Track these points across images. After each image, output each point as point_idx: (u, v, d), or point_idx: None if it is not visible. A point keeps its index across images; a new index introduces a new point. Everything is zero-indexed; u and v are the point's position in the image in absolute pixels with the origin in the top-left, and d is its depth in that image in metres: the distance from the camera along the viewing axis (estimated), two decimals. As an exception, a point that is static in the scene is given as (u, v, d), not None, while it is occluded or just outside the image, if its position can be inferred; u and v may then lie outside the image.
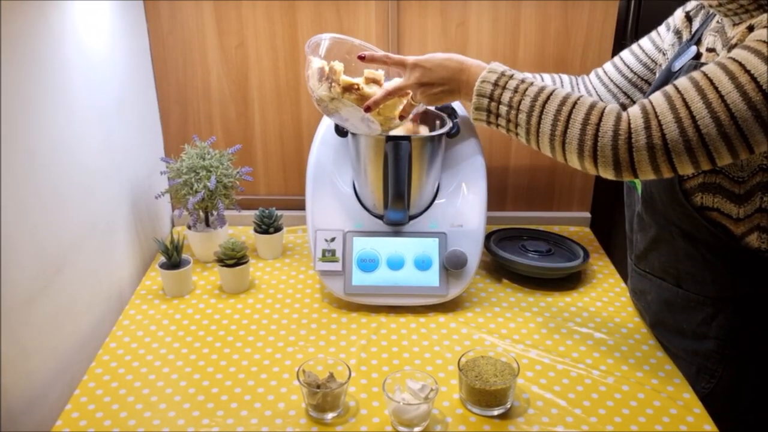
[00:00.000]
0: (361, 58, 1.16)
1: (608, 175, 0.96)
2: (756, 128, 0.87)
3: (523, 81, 1.02)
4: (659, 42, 1.23)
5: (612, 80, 1.30)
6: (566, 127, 0.97)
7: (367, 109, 1.16)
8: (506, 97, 1.02)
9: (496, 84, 1.03)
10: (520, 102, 1.01)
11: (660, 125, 0.91)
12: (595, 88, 1.33)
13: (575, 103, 0.97)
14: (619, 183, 1.32)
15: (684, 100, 0.90)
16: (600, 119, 0.95)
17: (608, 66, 1.32)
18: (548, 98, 0.99)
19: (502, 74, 1.04)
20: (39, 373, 1.05)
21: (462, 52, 1.54)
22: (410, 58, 1.12)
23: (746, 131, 0.87)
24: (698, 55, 1.07)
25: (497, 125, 1.05)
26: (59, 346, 1.12)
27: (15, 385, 0.98)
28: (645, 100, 0.94)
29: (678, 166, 0.92)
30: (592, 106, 0.96)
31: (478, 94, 1.04)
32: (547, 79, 1.34)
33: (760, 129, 0.87)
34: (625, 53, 1.30)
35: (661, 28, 1.24)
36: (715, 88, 0.88)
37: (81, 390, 1.10)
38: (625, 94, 1.29)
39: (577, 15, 1.52)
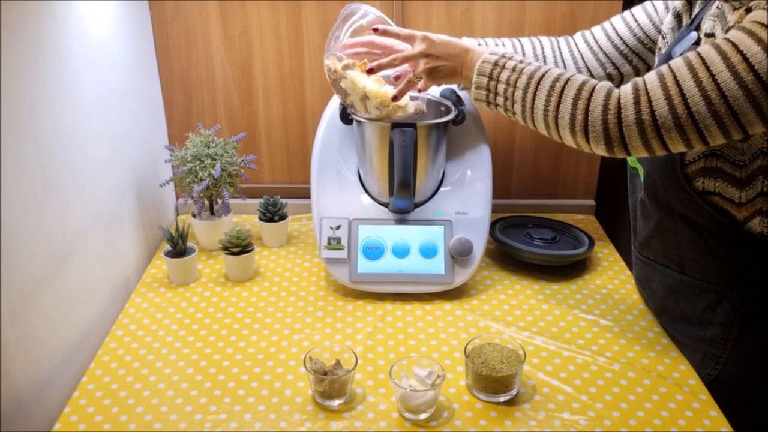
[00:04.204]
0: (375, 30, 1.20)
1: (600, 150, 0.98)
2: (748, 108, 0.88)
3: (521, 61, 1.06)
4: (656, 18, 1.21)
5: (602, 48, 1.28)
6: (558, 103, 1.00)
7: (370, 71, 1.19)
8: (504, 75, 1.06)
9: (495, 64, 1.07)
10: (516, 80, 1.05)
11: (650, 101, 0.93)
12: (581, 53, 1.30)
13: (568, 80, 1.01)
14: (623, 170, 1.31)
15: (675, 78, 0.92)
16: (591, 95, 0.98)
17: (598, 32, 1.29)
18: (543, 76, 1.03)
19: (503, 56, 1.08)
20: (46, 361, 1.06)
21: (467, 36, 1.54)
22: (420, 32, 1.16)
23: (738, 111, 0.88)
24: (698, 41, 1.07)
25: (496, 105, 1.09)
26: (66, 334, 1.12)
27: (23, 373, 0.99)
28: (638, 79, 0.97)
29: (669, 143, 0.93)
30: (584, 83, 0.99)
31: (478, 73, 1.08)
32: (524, 41, 1.32)
33: (752, 109, 0.88)
34: (617, 21, 1.27)
35: (659, 5, 1.21)
36: (707, 68, 0.89)
37: (88, 377, 1.11)
38: (614, 64, 1.27)
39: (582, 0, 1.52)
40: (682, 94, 0.91)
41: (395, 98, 1.22)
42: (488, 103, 1.10)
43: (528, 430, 1.01)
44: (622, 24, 1.26)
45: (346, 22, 1.26)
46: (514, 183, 1.71)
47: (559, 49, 1.32)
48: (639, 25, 1.23)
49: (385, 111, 1.25)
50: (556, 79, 1.01)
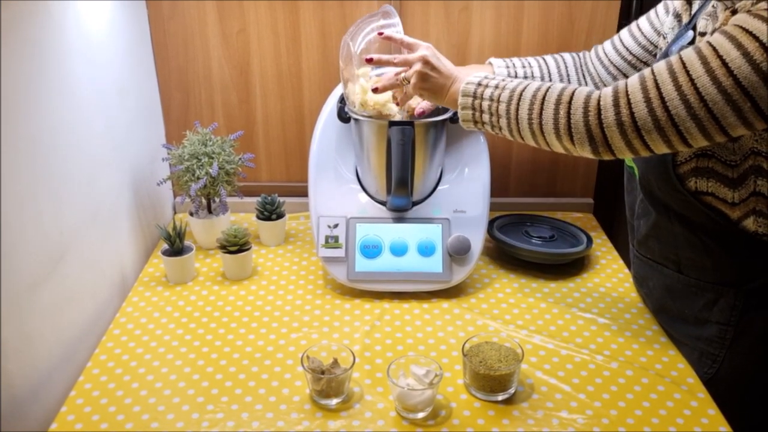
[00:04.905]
0: (380, 34, 1.22)
1: (587, 152, 1.00)
2: (728, 111, 0.88)
3: (503, 79, 1.10)
4: (657, 24, 1.22)
5: (612, 62, 1.30)
6: (541, 109, 1.02)
7: (369, 61, 1.20)
8: (488, 93, 1.09)
9: (479, 84, 1.10)
10: (499, 95, 1.07)
11: (629, 103, 0.94)
12: (596, 69, 1.32)
13: (549, 88, 1.03)
14: (621, 168, 1.31)
15: (656, 81, 0.93)
16: (571, 98, 1.00)
17: (608, 46, 1.31)
18: (525, 88, 1.05)
19: (485, 77, 1.11)
20: (43, 361, 1.05)
21: (465, 37, 1.55)
22: (426, 43, 1.18)
23: (718, 114, 0.89)
24: (694, 40, 1.07)
25: (483, 123, 1.11)
26: (63, 333, 1.12)
27: (19, 372, 0.99)
28: (620, 81, 0.98)
29: (650, 144, 0.94)
30: (564, 88, 1.02)
31: (463, 94, 1.11)
32: (549, 61, 1.34)
33: (732, 113, 0.88)
34: (624, 34, 1.29)
35: (660, 10, 1.23)
36: (687, 72, 0.90)
37: (85, 377, 1.11)
38: (624, 74, 1.28)
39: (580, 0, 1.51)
40: (661, 97, 0.92)
41: (375, 90, 1.22)
42: (475, 122, 1.12)
43: (526, 428, 1.01)
44: (628, 36, 1.28)
45: (378, 21, 1.27)
46: (512, 181, 1.71)
47: (582, 66, 1.35)
48: (642, 33, 1.25)
49: (368, 108, 1.27)
50: (538, 89, 1.04)
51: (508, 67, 1.33)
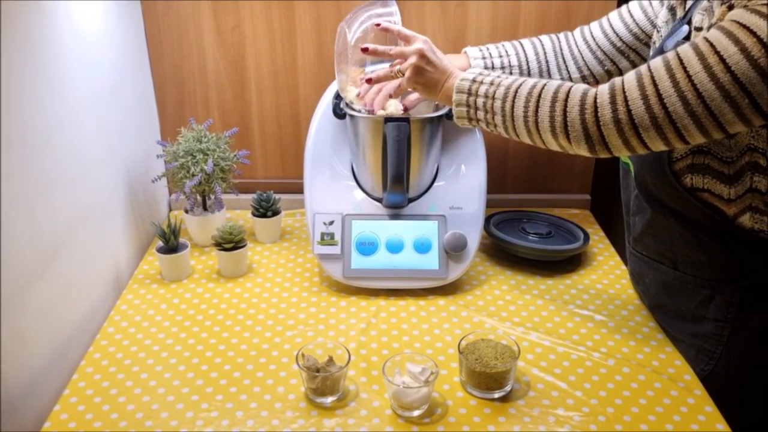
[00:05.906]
0: (377, 25, 1.21)
1: (583, 150, 0.99)
2: (726, 108, 0.88)
3: (498, 76, 1.09)
4: (651, 14, 1.21)
5: (599, 45, 1.28)
6: (537, 107, 1.01)
7: (365, 50, 1.19)
8: (482, 89, 1.08)
9: (473, 81, 1.09)
10: (494, 92, 1.06)
11: (626, 101, 0.93)
12: (581, 52, 1.30)
13: (544, 86, 1.02)
14: (618, 165, 1.31)
15: (653, 78, 0.92)
16: (567, 96, 0.99)
17: (595, 29, 1.29)
18: (520, 85, 1.04)
19: (480, 73, 1.10)
20: (36, 359, 1.05)
21: (461, 32, 1.54)
22: (423, 36, 1.16)
23: (716, 111, 0.88)
24: (689, 35, 1.06)
25: (477, 120, 1.10)
26: (57, 331, 1.11)
27: (12, 371, 0.98)
28: (617, 78, 0.97)
29: (648, 141, 0.94)
30: (560, 85, 1.01)
31: (457, 91, 1.10)
32: (527, 46, 1.32)
33: (730, 109, 0.88)
34: (613, 17, 1.27)
35: (654, 0, 1.22)
36: (684, 68, 0.90)
37: (79, 375, 1.10)
38: (611, 60, 1.27)
39: (577, -3, 1.51)
40: (659, 94, 0.91)
41: (369, 81, 1.22)
42: (470, 119, 1.11)
43: (522, 426, 1.00)
44: (617, 19, 1.26)
45: (376, 9, 1.26)
46: (508, 177, 1.70)
47: (561, 49, 1.32)
48: (634, 19, 1.23)
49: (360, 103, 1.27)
50: (533, 86, 1.03)
51: (485, 57, 1.31)
